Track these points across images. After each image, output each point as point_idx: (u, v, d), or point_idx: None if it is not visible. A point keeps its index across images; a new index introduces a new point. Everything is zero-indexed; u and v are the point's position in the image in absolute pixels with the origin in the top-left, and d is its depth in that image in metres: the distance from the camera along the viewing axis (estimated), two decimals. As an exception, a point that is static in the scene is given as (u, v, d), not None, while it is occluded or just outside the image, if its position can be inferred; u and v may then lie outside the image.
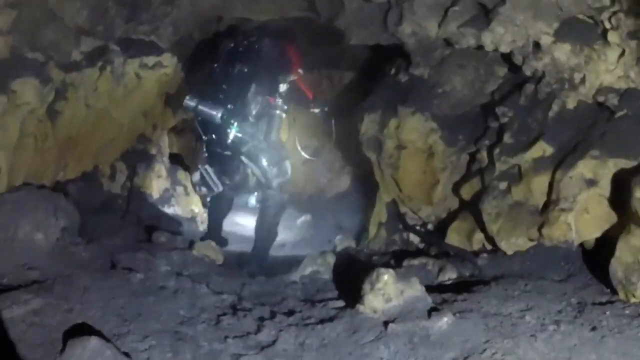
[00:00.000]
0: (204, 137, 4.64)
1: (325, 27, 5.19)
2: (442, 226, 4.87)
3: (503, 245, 4.12)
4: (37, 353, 2.65)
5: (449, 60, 4.75)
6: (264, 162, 4.59)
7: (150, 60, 5.03)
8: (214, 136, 4.56)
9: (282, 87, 4.51)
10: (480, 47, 4.31)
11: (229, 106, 4.39)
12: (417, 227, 5.09)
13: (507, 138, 4.25)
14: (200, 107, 4.37)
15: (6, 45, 3.88)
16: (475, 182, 4.53)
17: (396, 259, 4.76)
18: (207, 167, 4.69)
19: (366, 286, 3.27)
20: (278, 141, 4.67)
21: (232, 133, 4.37)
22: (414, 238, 5.09)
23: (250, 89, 4.40)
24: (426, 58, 4.82)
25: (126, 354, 2.70)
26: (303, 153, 5.31)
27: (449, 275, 4.14)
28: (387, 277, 3.24)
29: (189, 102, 4.41)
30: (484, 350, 2.79)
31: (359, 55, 6.01)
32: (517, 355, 2.74)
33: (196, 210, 6.13)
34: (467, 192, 4.59)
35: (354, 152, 6.03)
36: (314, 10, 5.09)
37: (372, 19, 4.73)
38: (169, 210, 5.79)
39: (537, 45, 4.02)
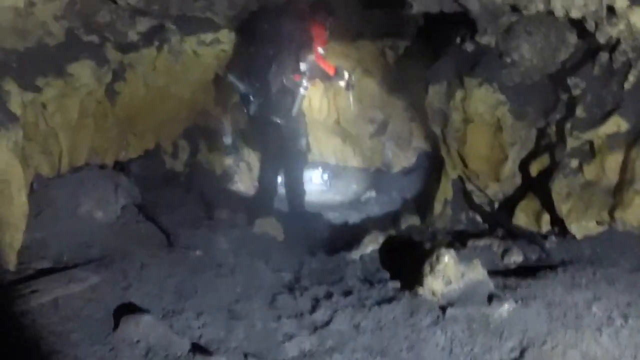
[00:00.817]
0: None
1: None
2: (510, 204, 4.70)
3: (573, 228, 3.96)
4: (93, 328, 2.75)
5: (516, 27, 4.49)
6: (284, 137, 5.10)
7: (208, 37, 5.07)
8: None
9: (303, 67, 4.79)
10: (550, 13, 4.04)
11: (256, 85, 4.89)
12: (485, 207, 4.91)
13: (579, 112, 4.02)
14: (235, 82, 4.97)
15: (61, 29, 4.01)
16: (544, 159, 4.33)
17: (461, 239, 4.65)
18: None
19: (426, 267, 3.22)
20: (299, 116, 5.08)
21: (252, 109, 4.94)
22: (480, 217, 4.93)
23: (271, 70, 4.80)
24: (492, 25, 4.58)
25: (180, 331, 2.78)
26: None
27: (515, 258, 4.00)
28: (447, 258, 3.17)
29: (229, 77, 5.00)
30: (545, 342, 2.71)
31: (423, 22, 5.79)
32: (579, 349, 2.64)
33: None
34: (536, 169, 4.41)
35: (420, 125, 5.88)
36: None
37: (434, -16, 4.53)
38: (231, 186, 5.87)
39: (611, 10, 3.75)
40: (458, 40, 5.07)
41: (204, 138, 5.83)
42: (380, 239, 4.15)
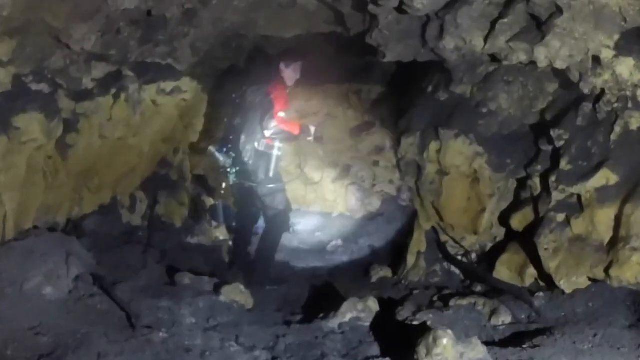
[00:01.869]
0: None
1: (355, 41, 4.71)
2: (488, 258, 4.42)
3: (562, 284, 3.68)
4: None
5: (494, 76, 4.27)
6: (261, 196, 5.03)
7: (168, 85, 4.62)
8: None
9: (268, 133, 4.75)
10: (532, 63, 3.82)
11: (232, 154, 4.94)
12: (460, 258, 4.61)
13: (564, 164, 3.77)
14: (215, 155, 4.98)
15: (7, 76, 3.50)
16: (527, 212, 4.06)
17: (440, 295, 4.32)
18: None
19: (421, 350, 2.84)
20: (276, 176, 4.98)
21: (231, 178, 4.97)
22: (457, 269, 4.62)
23: (241, 139, 4.85)
24: (469, 74, 4.35)
25: None
26: None
27: (503, 318, 3.68)
28: (446, 341, 2.80)
29: (210, 150, 5.02)
30: None
31: (389, 68, 5.53)
32: None
33: (221, 238, 5.68)
34: (518, 222, 4.13)
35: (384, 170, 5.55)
36: (343, 24, 4.62)
37: (409, 34, 4.24)
38: (192, 240, 5.35)
39: (596, 60, 3.54)
40: (430, 88, 4.81)
41: (162, 189, 5.33)
42: (359, 306, 3.75)
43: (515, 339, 3.37)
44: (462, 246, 4.63)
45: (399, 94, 5.40)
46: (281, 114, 4.70)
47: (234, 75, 5.22)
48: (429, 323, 3.67)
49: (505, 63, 3.99)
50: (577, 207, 3.71)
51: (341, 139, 6.25)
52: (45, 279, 3.41)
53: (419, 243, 4.82)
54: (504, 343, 3.30)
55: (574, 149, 3.78)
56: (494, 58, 4.05)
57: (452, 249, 4.71)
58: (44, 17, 3.54)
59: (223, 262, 5.31)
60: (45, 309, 3.31)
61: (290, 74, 4.92)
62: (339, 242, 5.87)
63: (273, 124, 4.67)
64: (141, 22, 4.19)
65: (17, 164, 3.60)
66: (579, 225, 3.68)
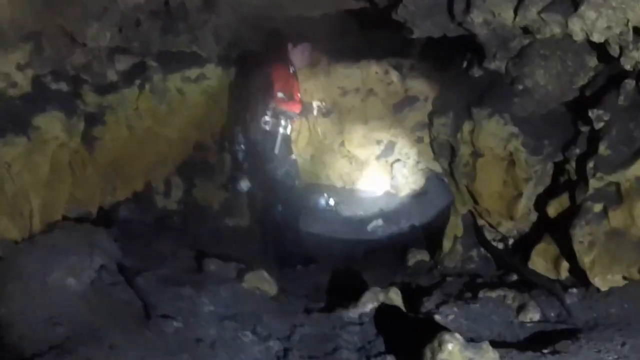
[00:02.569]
0: None
1: (387, 16, 4.41)
2: (525, 244, 4.08)
3: (597, 281, 3.34)
4: None
5: (529, 50, 3.85)
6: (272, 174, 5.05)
7: (193, 72, 4.54)
8: None
9: (267, 112, 4.80)
10: (567, 36, 3.40)
11: (241, 137, 5.05)
12: (496, 244, 4.30)
13: (603, 149, 3.37)
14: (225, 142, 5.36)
15: (26, 79, 3.50)
16: (563, 199, 3.68)
17: (471, 284, 4.05)
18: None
19: (427, 353, 2.63)
20: (282, 153, 4.99)
21: (241, 156, 5.13)
22: (492, 257, 4.32)
23: (246, 121, 4.95)
24: (502, 49, 3.95)
25: None
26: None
27: (531, 315, 3.40)
28: (451, 346, 2.57)
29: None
30: None
31: (429, 43, 5.15)
32: None
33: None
34: (554, 209, 3.75)
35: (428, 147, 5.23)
36: (370, 0, 4.32)
37: (436, 8, 3.90)
38: (229, 222, 5.31)
39: (637, 32, 3.09)
40: (464, 65, 4.44)
41: (199, 173, 5.31)
42: (381, 296, 3.56)
43: (539, 340, 3.09)
44: (498, 231, 4.31)
45: (438, 70, 5.04)
46: (280, 94, 4.70)
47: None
48: (451, 317, 3.50)
49: (539, 36, 3.60)
50: (615, 197, 3.32)
51: (384, 115, 5.96)
52: (68, 272, 3.41)
53: (455, 227, 4.52)
54: (525, 345, 3.04)
55: (614, 131, 3.36)
56: (526, 31, 3.66)
57: (489, 234, 4.39)
58: (57, 20, 3.53)
59: (256, 244, 5.23)
60: (66, 301, 3.30)
61: (297, 54, 4.93)
62: (380, 222, 5.63)
63: (272, 103, 4.72)
64: (161, 12, 4.11)
65: (40, 162, 3.62)
66: (617, 218, 3.29)
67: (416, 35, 4.13)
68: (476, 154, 4.13)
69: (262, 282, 3.92)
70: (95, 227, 3.90)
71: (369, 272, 4.64)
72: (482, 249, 4.43)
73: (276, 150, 4.84)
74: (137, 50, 4.18)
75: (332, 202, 6.08)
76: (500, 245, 4.33)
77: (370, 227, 5.63)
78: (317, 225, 5.67)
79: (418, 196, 5.75)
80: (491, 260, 4.37)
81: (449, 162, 4.37)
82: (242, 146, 4.98)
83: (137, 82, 4.25)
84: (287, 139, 4.99)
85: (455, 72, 4.51)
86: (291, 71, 4.88)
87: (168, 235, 4.61)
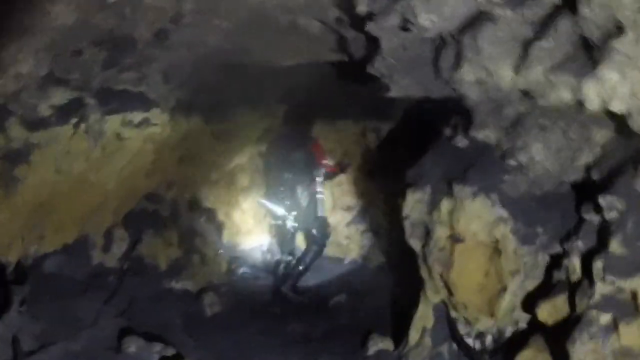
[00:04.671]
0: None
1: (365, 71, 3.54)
2: (508, 347, 3.05)
3: (604, 416, 2.28)
4: None
5: (526, 119, 2.92)
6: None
7: (135, 116, 3.54)
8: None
9: (319, 180, 5.04)
10: (578, 103, 2.50)
11: (287, 202, 5.22)
12: (473, 342, 3.26)
13: (615, 245, 2.39)
14: (267, 205, 5.36)
15: None
16: (560, 302, 2.67)
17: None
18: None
19: None
20: (323, 216, 5.16)
21: (289, 223, 5.24)
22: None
23: (297, 190, 5.17)
24: (494, 116, 3.03)
25: None
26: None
27: None
28: None
29: (262, 201, 5.48)
30: None
31: (410, 104, 4.29)
32: None
33: (214, 282, 4.57)
34: (547, 312, 2.72)
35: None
36: (346, 51, 3.45)
37: (419, 62, 3.01)
38: (176, 285, 4.25)
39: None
40: (447, 132, 3.53)
41: (148, 226, 4.31)
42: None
43: None
44: (469, 322, 3.29)
45: (416, 136, 4.14)
46: (326, 161, 5.07)
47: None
48: None
49: (541, 102, 2.69)
50: (629, 307, 2.33)
51: (358, 181, 5.06)
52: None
53: (424, 317, 3.48)
54: None
55: (630, 224, 2.40)
56: (526, 95, 2.76)
57: (463, 328, 3.35)
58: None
59: (202, 313, 4.14)
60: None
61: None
62: (343, 297, 4.60)
63: (322, 170, 5.03)
64: (106, 42, 3.19)
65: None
66: (630, 334, 2.28)
67: (394, 93, 3.23)
68: (455, 238, 3.13)
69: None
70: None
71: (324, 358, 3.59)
72: (454, 345, 3.39)
73: (319, 213, 5.02)
74: (75, 83, 3.24)
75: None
76: (477, 344, 3.29)
77: (331, 302, 4.57)
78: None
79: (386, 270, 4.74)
80: (463, 358, 3.33)
81: (422, 244, 3.37)
82: (291, 214, 5.09)
83: (73, 120, 3.29)
84: (322, 202, 5.12)
85: (436, 140, 3.58)
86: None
87: (97, 297, 3.55)
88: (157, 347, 3.10)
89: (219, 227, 5.42)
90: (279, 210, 5.15)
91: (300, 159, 5.04)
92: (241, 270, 5.22)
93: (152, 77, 3.33)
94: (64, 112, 3.27)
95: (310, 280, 4.96)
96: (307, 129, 5.27)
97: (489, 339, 3.28)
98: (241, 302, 4.68)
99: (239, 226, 6.06)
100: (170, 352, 3.12)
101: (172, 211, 4.48)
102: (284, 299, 4.78)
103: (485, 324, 3.20)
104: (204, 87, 3.94)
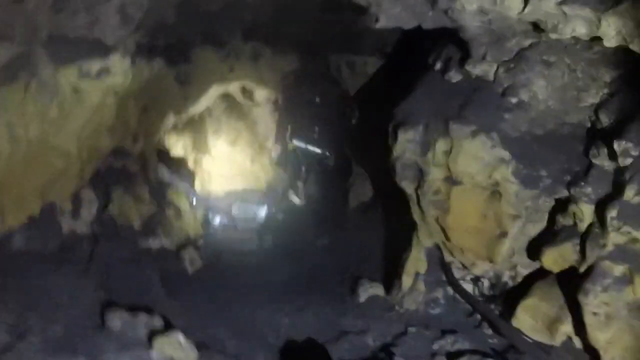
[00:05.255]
0: None
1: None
2: (508, 297, 2.95)
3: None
4: None
5: (529, 54, 2.68)
6: None
7: (92, 65, 3.02)
8: None
9: None
10: (595, 39, 2.25)
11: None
12: (470, 286, 3.17)
13: (630, 193, 2.26)
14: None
15: None
16: (567, 249, 2.55)
17: (441, 337, 2.92)
18: None
19: None
20: None
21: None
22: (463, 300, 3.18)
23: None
24: (495, 49, 2.77)
25: None
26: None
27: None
28: None
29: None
30: None
31: (388, 36, 3.91)
32: None
33: (192, 236, 4.30)
34: (552, 259, 2.63)
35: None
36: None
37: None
38: (153, 243, 3.97)
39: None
40: (438, 65, 3.22)
41: (117, 184, 3.95)
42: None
43: None
44: (470, 271, 3.19)
45: (400, 69, 3.80)
46: None
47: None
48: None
49: (552, 36, 2.42)
50: (644, 258, 2.24)
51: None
52: None
53: (417, 262, 3.35)
54: None
55: (645, 170, 2.27)
56: (535, 28, 2.47)
57: (458, 272, 3.26)
58: None
59: (184, 272, 3.90)
60: None
61: None
62: (326, 240, 4.41)
63: None
64: (47, -15, 2.68)
65: None
66: (645, 286, 2.22)
67: (382, 24, 2.88)
68: (451, 181, 2.95)
69: (176, 349, 2.66)
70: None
71: (311, 310, 3.45)
72: (449, 290, 3.29)
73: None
74: (19, 37, 2.75)
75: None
76: (472, 288, 3.19)
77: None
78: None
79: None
80: (460, 304, 3.24)
81: (415, 186, 3.17)
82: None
83: (22, 78, 2.82)
84: None
85: (426, 74, 3.28)
86: None
87: (71, 271, 3.21)
88: (143, 318, 2.86)
89: (191, 176, 5.07)
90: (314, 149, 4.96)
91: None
92: (217, 220, 4.97)
93: (107, 20, 2.84)
94: (11, 71, 2.78)
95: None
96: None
97: (485, 283, 3.21)
98: (222, 255, 4.48)
99: (210, 173, 5.75)
100: (157, 322, 2.87)
101: (141, 165, 4.11)
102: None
103: (482, 268, 3.11)
104: (164, 27, 3.47)
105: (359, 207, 4.61)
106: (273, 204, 5.43)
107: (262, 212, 5.20)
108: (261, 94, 5.36)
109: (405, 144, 3.13)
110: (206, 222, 4.92)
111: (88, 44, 2.95)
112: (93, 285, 3.19)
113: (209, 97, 4.93)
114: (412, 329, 3.06)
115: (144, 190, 4.04)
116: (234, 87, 5.19)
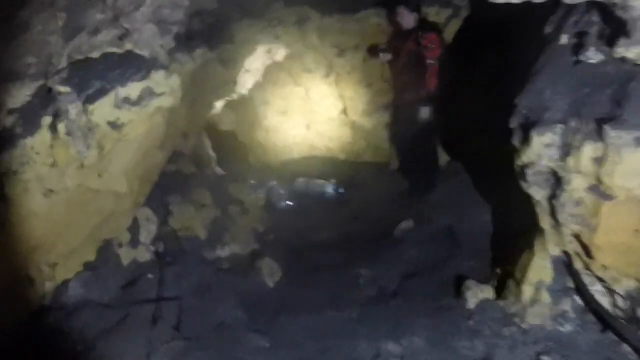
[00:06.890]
0: None
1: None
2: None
3: None
4: None
5: None
6: None
7: (132, 90, 2.27)
8: None
9: None
10: None
11: None
12: (602, 299, 2.59)
13: None
14: None
15: None
16: None
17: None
18: None
19: None
20: None
21: None
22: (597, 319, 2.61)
23: None
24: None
25: None
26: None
27: None
28: None
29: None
30: None
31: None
32: None
33: (260, 230, 3.73)
34: None
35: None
36: None
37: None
38: (223, 252, 3.42)
39: None
40: (565, 39, 2.39)
41: (174, 193, 3.32)
42: None
43: None
44: (603, 281, 2.60)
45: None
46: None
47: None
48: None
49: None
50: None
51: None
52: None
53: (541, 271, 2.74)
54: None
55: None
56: None
57: (587, 279, 2.67)
58: None
59: (263, 288, 3.26)
60: None
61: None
62: (411, 223, 3.79)
63: None
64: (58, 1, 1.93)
65: None
66: None
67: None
68: (602, 195, 2.27)
69: None
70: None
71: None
72: (576, 299, 2.73)
73: None
74: (32, 69, 2.05)
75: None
76: (606, 301, 2.61)
77: (397, 231, 3.78)
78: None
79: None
80: (589, 315, 2.68)
81: (549, 195, 2.50)
82: None
83: (45, 122, 2.16)
84: None
85: (544, 51, 2.46)
86: None
87: (139, 315, 2.72)
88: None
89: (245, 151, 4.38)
90: None
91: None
92: (283, 203, 4.33)
93: (140, 30, 2.09)
94: (30, 115, 2.13)
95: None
96: None
97: (622, 300, 2.63)
98: (302, 253, 3.69)
99: (264, 147, 5.09)
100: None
101: (196, 164, 3.46)
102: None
103: (626, 285, 2.53)
104: (203, 12, 2.67)
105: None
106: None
107: (329, 186, 4.49)
108: (310, 59, 4.63)
109: (542, 149, 2.40)
110: (269, 207, 4.31)
111: (119, 62, 2.22)
112: (167, 336, 2.70)
113: (256, 72, 4.17)
114: (545, 359, 2.57)
115: (203, 193, 3.43)
116: (280, 56, 4.43)
